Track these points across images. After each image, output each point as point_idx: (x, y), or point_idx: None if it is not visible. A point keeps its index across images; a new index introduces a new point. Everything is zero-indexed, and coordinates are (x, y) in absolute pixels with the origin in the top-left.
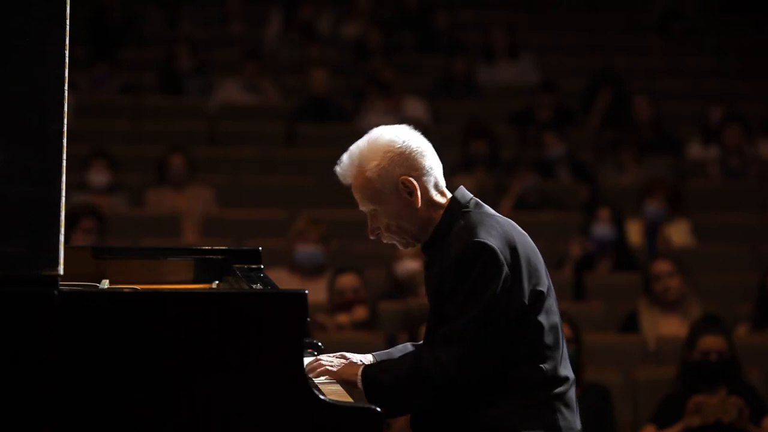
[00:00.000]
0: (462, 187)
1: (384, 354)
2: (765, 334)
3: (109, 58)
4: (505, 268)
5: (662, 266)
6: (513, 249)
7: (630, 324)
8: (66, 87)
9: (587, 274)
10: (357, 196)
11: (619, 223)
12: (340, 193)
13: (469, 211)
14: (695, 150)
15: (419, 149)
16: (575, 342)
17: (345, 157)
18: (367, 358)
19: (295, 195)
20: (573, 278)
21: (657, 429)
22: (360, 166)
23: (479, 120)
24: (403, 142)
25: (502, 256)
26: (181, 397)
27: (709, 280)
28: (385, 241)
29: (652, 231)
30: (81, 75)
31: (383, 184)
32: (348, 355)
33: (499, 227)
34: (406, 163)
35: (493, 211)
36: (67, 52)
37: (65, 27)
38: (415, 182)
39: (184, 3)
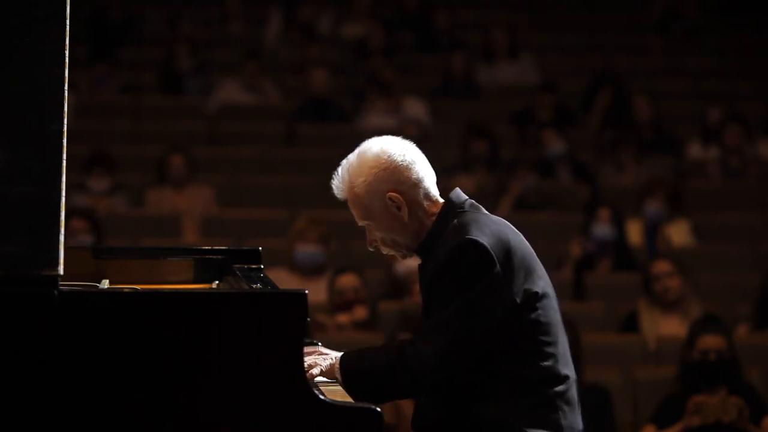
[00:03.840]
0: (457, 188)
1: None
2: (765, 334)
3: (109, 58)
4: (497, 266)
5: (662, 266)
6: (506, 247)
7: (630, 324)
8: (66, 87)
9: (587, 274)
10: (352, 211)
11: (619, 223)
12: None
13: (464, 212)
14: (695, 150)
15: (404, 162)
16: (573, 343)
17: (338, 171)
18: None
19: (295, 195)
20: (573, 278)
21: (657, 429)
22: (350, 182)
23: (479, 120)
24: (389, 156)
25: (493, 254)
26: (181, 397)
27: (709, 280)
28: (384, 252)
29: (652, 231)
30: (81, 75)
31: (371, 200)
32: (323, 350)
33: (493, 226)
34: (392, 177)
35: (487, 213)
36: (67, 52)
37: (65, 27)
38: (401, 197)
39: (184, 3)
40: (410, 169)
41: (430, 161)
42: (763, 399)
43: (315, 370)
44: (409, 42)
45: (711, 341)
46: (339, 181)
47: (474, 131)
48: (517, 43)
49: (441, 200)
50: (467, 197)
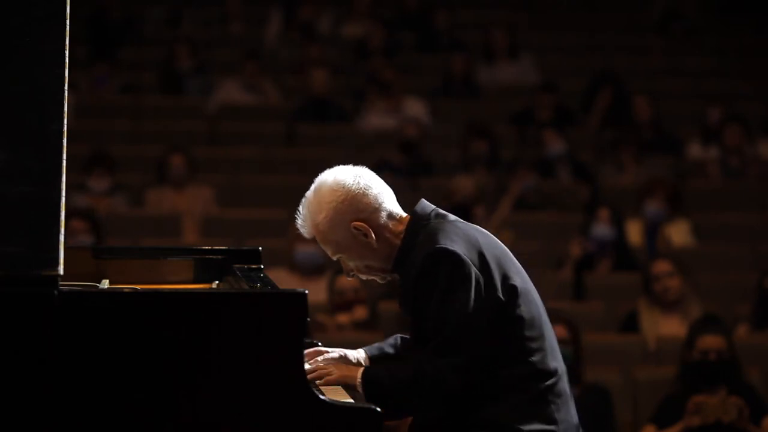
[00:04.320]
0: (423, 200)
1: (375, 348)
2: (765, 334)
3: (109, 58)
4: (474, 270)
5: (662, 266)
6: (478, 249)
7: (630, 324)
8: (66, 87)
9: (587, 274)
10: (323, 247)
11: (618, 223)
12: None
13: (429, 222)
14: (695, 150)
15: (360, 189)
16: (573, 342)
17: (300, 209)
18: (360, 354)
19: (295, 195)
20: (573, 278)
21: (657, 429)
22: (312, 220)
23: (479, 120)
24: (343, 187)
25: (467, 258)
26: (181, 397)
27: (709, 280)
28: (363, 279)
29: (652, 231)
30: (81, 75)
31: (336, 233)
32: (347, 352)
33: (460, 232)
34: (351, 207)
35: (455, 218)
36: (67, 52)
37: (65, 27)
38: (365, 224)
39: (184, 3)
40: (367, 194)
41: (429, 161)
42: (763, 399)
43: (332, 377)
44: (409, 42)
45: (711, 341)
46: (302, 221)
47: (474, 131)
48: (517, 43)
49: (405, 215)
50: (434, 207)
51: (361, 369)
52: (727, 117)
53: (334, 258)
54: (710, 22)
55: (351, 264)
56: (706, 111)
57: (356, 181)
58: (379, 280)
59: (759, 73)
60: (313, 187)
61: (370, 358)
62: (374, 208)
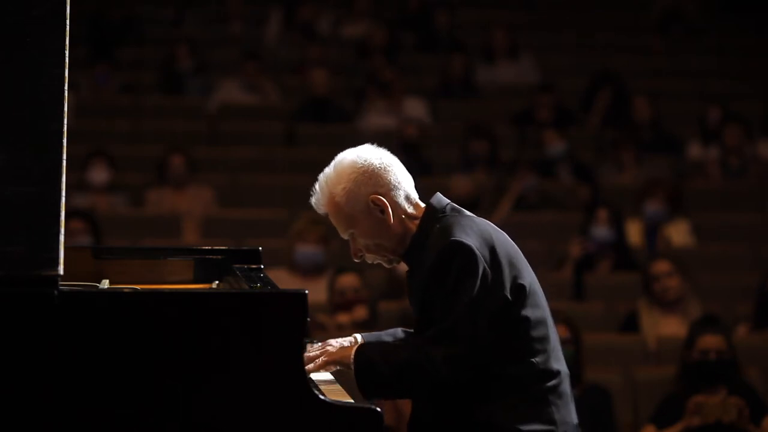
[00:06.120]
0: (438, 193)
1: (373, 336)
2: (765, 334)
3: (109, 58)
4: (484, 265)
5: (661, 266)
6: (491, 246)
7: (630, 324)
8: (66, 87)
9: (587, 274)
10: (334, 223)
11: (617, 224)
12: None
13: (446, 215)
14: (695, 150)
15: (382, 165)
16: (574, 342)
17: (316, 186)
18: (356, 337)
19: (295, 195)
20: (573, 278)
21: (657, 429)
22: (329, 193)
23: (479, 120)
24: (365, 161)
25: (479, 253)
26: (180, 397)
27: (709, 280)
28: (369, 262)
29: (652, 231)
30: (81, 75)
31: (353, 206)
32: (331, 341)
33: (476, 227)
34: (370, 181)
35: (469, 214)
36: (67, 52)
37: (65, 27)
38: (383, 199)
39: (184, 3)
40: (388, 171)
41: (430, 161)
42: (763, 399)
43: (328, 354)
44: (409, 42)
45: (711, 341)
46: (318, 195)
47: (474, 131)
48: (517, 43)
49: (422, 204)
50: (448, 201)
51: (356, 347)
52: (727, 117)
53: (345, 235)
54: (710, 22)
55: (361, 242)
56: (706, 111)
57: (379, 158)
58: (385, 264)
59: (759, 73)
60: (333, 162)
61: (366, 342)
62: (393, 186)
